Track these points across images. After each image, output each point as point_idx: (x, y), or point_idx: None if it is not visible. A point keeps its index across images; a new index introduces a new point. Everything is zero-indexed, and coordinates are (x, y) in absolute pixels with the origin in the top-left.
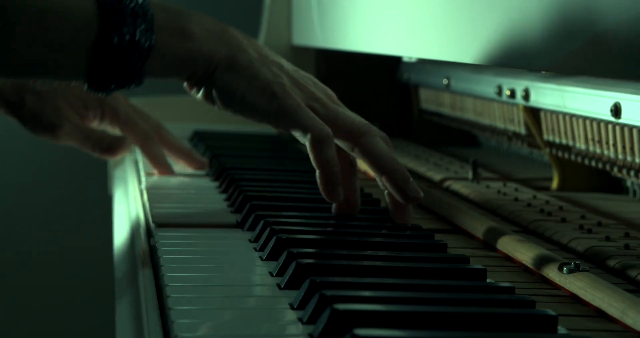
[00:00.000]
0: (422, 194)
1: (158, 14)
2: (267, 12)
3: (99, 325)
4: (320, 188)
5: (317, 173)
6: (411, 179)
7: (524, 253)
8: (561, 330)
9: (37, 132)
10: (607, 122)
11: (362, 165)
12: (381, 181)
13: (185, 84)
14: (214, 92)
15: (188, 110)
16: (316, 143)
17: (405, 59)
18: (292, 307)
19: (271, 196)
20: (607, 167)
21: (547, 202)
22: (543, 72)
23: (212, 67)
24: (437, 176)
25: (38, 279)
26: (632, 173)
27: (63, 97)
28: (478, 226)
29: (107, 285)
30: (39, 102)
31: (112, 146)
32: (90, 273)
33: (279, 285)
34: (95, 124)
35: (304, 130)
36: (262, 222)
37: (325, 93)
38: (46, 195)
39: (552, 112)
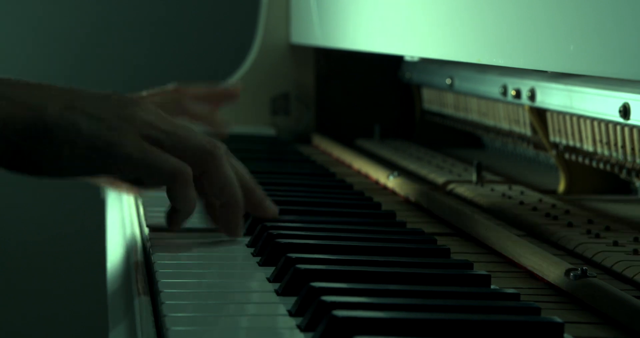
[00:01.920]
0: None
1: None
2: (265, 10)
3: (92, 329)
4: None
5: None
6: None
7: (530, 258)
8: (567, 337)
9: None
10: (615, 124)
11: (363, 167)
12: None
13: None
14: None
15: None
16: (174, 182)
17: (407, 58)
18: (290, 314)
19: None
20: (616, 169)
21: (553, 206)
22: (549, 71)
23: (12, 137)
24: (440, 179)
25: (28, 283)
26: None
27: None
28: (482, 230)
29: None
30: None
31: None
32: (83, 279)
33: (276, 291)
34: None
35: (160, 175)
36: (259, 226)
37: (155, 114)
38: (36, 200)
39: (559, 113)
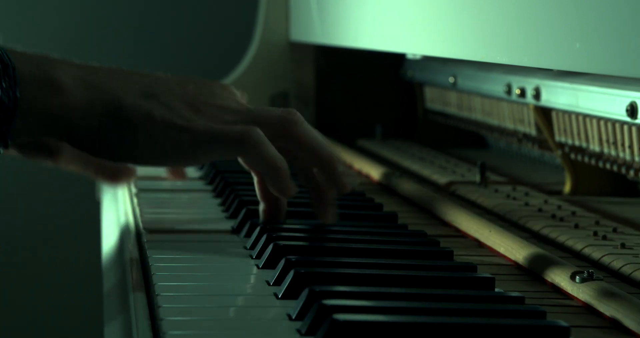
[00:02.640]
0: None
1: (21, 66)
2: (264, 6)
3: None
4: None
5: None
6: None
7: (535, 261)
8: None
9: (36, 159)
10: (622, 123)
11: (364, 167)
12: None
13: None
14: (111, 148)
15: None
16: (244, 147)
17: (410, 56)
18: (290, 318)
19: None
20: (623, 170)
21: (559, 207)
22: (555, 70)
23: (94, 122)
24: (442, 180)
25: (23, 282)
26: None
27: None
28: (486, 232)
29: (95, 295)
30: None
31: (116, 173)
32: (78, 281)
33: (276, 295)
34: None
35: (226, 144)
36: (258, 228)
37: (232, 100)
38: (32, 200)
39: (565, 112)
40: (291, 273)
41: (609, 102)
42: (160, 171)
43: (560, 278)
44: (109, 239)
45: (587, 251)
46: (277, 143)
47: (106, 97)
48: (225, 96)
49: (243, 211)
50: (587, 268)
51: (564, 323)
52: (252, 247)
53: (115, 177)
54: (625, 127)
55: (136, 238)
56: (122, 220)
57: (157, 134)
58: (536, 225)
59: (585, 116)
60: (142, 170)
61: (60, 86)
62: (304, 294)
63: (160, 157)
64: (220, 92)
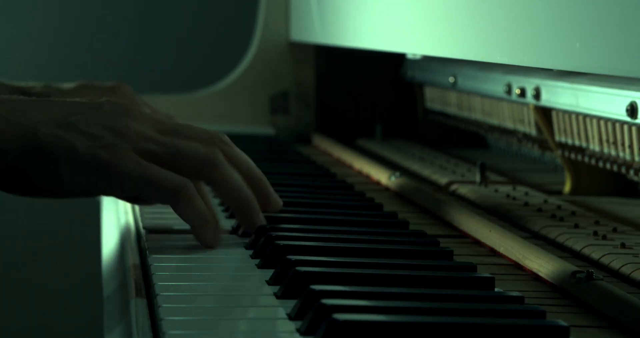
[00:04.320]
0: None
1: None
2: (264, 6)
3: (87, 332)
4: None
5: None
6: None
7: (535, 260)
8: None
9: None
10: (622, 123)
11: (364, 167)
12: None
13: None
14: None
15: (184, 110)
16: (177, 199)
17: (410, 56)
18: (289, 317)
19: None
20: (623, 170)
21: (559, 207)
22: (555, 69)
23: (10, 158)
24: (442, 180)
25: (23, 284)
26: None
27: None
28: (486, 232)
29: (95, 295)
30: None
31: None
32: (78, 281)
33: (276, 294)
34: None
35: (160, 193)
36: (258, 228)
37: (150, 121)
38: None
39: (565, 112)
40: (290, 273)
41: (609, 102)
42: None
43: (560, 278)
44: (108, 239)
45: (586, 251)
46: (196, 180)
47: (21, 130)
48: (145, 119)
49: None
50: (587, 268)
51: (563, 323)
52: (252, 247)
53: None
54: (625, 127)
55: (136, 239)
56: (122, 220)
57: (81, 168)
58: (536, 225)
59: (585, 116)
60: None
61: None
62: (303, 294)
63: (86, 191)
64: (139, 115)
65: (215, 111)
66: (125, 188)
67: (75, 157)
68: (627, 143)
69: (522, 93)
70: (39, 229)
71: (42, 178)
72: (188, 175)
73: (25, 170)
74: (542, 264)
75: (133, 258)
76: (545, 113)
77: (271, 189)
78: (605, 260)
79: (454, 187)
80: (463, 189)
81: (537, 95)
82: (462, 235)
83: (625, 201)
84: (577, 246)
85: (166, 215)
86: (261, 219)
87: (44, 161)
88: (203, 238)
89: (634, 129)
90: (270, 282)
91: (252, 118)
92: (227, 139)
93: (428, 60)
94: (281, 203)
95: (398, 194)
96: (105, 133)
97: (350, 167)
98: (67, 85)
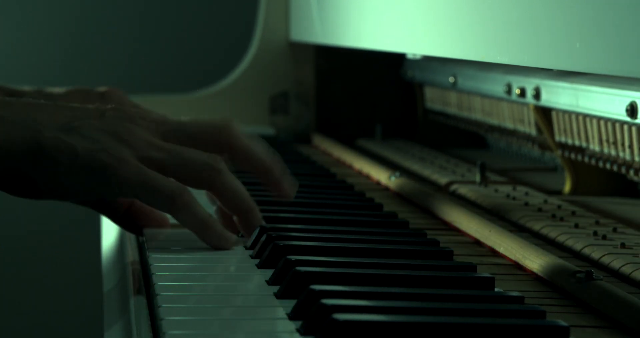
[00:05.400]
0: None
1: None
2: (264, 6)
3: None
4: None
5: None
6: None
7: (535, 260)
8: None
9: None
10: (622, 123)
11: (364, 167)
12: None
13: None
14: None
15: (182, 110)
16: (176, 206)
17: (409, 56)
18: (289, 317)
19: (268, 201)
20: (623, 170)
21: (559, 207)
22: (555, 69)
23: (12, 160)
24: (442, 180)
25: (23, 284)
26: None
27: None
28: (486, 232)
29: (95, 295)
30: None
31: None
32: (78, 281)
33: (275, 294)
34: None
35: (158, 199)
36: (258, 228)
37: (154, 128)
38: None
39: (565, 112)
40: (290, 273)
41: (609, 102)
42: None
43: (560, 278)
44: (108, 239)
45: (587, 251)
46: (199, 188)
47: (25, 132)
48: (149, 126)
49: None
50: (587, 268)
51: (563, 323)
52: (252, 247)
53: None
54: (625, 127)
55: (136, 238)
56: None
57: (81, 170)
58: (536, 225)
59: (585, 116)
60: None
61: None
62: (303, 294)
63: (86, 194)
64: (143, 122)
65: (215, 111)
66: (124, 192)
67: (76, 160)
68: (627, 143)
69: (522, 93)
70: (39, 228)
71: (44, 180)
72: (191, 183)
73: (28, 172)
74: (542, 264)
75: (133, 256)
76: (545, 113)
77: (284, 177)
78: (605, 260)
79: (454, 187)
80: (463, 189)
81: (537, 95)
82: (462, 235)
83: (625, 201)
84: (577, 246)
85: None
86: (261, 223)
87: (46, 163)
88: (210, 242)
89: (634, 129)
90: (270, 282)
91: (252, 118)
92: (233, 126)
93: (428, 60)
94: (294, 190)
95: (398, 194)
96: (107, 137)
97: (350, 167)
98: (58, 89)
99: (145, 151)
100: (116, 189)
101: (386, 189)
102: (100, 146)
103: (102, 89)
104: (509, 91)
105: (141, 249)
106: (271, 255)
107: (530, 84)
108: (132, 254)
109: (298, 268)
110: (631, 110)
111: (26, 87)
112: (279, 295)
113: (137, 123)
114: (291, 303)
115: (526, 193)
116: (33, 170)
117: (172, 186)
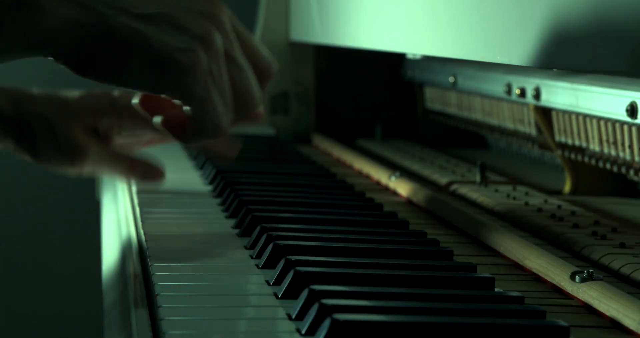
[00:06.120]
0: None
1: None
2: (264, 6)
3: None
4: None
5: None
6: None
7: (534, 260)
8: None
9: (57, 164)
10: (622, 123)
11: (364, 167)
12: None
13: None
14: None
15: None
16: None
17: (410, 56)
18: (290, 317)
19: (268, 201)
20: (623, 170)
21: (559, 207)
22: (555, 70)
23: (81, 42)
24: (443, 180)
25: (23, 284)
26: None
27: (71, 112)
28: (486, 232)
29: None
30: (50, 130)
31: (148, 173)
32: (78, 281)
33: (276, 294)
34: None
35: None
36: (258, 228)
37: (234, 36)
38: (32, 200)
39: (565, 112)
40: (291, 273)
41: (609, 102)
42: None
43: (560, 278)
44: (109, 239)
45: (586, 251)
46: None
47: (92, 16)
48: (231, 31)
49: (243, 210)
50: (587, 268)
51: (563, 323)
52: (252, 247)
53: (148, 176)
54: (625, 127)
55: (136, 237)
56: (122, 219)
57: (149, 61)
58: (536, 225)
59: (585, 116)
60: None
61: (38, 3)
62: (304, 294)
63: (150, 88)
64: (224, 24)
65: None
66: (186, 95)
67: (148, 52)
68: (627, 143)
69: (522, 93)
70: (39, 229)
71: (111, 65)
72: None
73: (95, 56)
74: (542, 264)
75: (133, 258)
76: (545, 113)
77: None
78: (605, 260)
79: (454, 187)
80: (463, 189)
81: (537, 95)
82: (462, 235)
83: (625, 201)
84: (577, 246)
85: (166, 215)
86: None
87: (117, 50)
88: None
89: (634, 129)
90: (270, 282)
91: None
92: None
93: (428, 60)
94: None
95: (398, 195)
96: (187, 35)
97: (350, 167)
98: (73, 93)
99: (217, 61)
100: (178, 91)
101: (386, 189)
102: (176, 44)
103: (115, 93)
104: (509, 91)
105: (141, 249)
106: (271, 255)
107: (530, 84)
108: (132, 254)
109: (298, 268)
110: (631, 110)
111: (35, 90)
112: (279, 295)
113: (220, 29)
114: (291, 303)
115: (526, 193)
116: (101, 54)
117: (223, 121)
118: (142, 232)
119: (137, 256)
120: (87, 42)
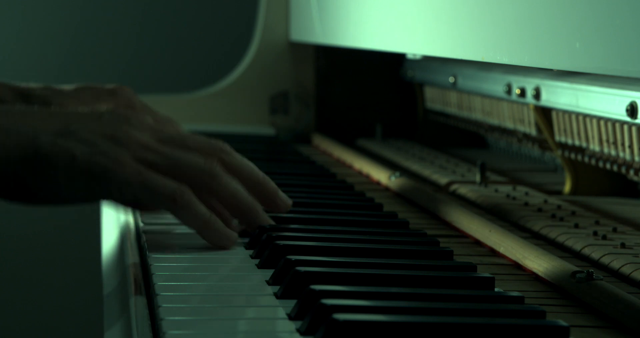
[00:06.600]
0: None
1: None
2: (264, 6)
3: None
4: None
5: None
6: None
7: (534, 260)
8: None
9: None
10: (622, 123)
11: (364, 167)
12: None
13: None
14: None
15: (182, 110)
16: (176, 205)
17: (410, 56)
18: (289, 317)
19: None
20: (623, 170)
21: (559, 207)
22: (555, 70)
23: (10, 168)
24: (442, 180)
25: (23, 284)
26: None
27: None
28: (486, 232)
29: (95, 295)
30: None
31: None
32: (78, 281)
33: (276, 294)
34: None
35: (159, 199)
36: (258, 228)
37: (150, 130)
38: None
39: (565, 112)
40: (290, 273)
41: (609, 102)
42: None
43: (560, 278)
44: (108, 239)
45: (586, 251)
46: (196, 191)
47: (20, 139)
48: (145, 127)
49: None
50: (587, 268)
51: (563, 323)
52: (252, 247)
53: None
54: (625, 127)
55: (136, 238)
56: (122, 219)
57: (79, 175)
58: (536, 225)
59: (585, 116)
60: None
61: None
62: (303, 294)
63: (85, 198)
64: (139, 124)
65: (215, 111)
66: (124, 194)
67: (74, 164)
68: (627, 143)
69: (522, 93)
70: (38, 228)
71: (41, 186)
72: (188, 185)
73: (25, 178)
74: (542, 264)
75: (133, 257)
76: (545, 113)
77: (278, 191)
78: (605, 260)
79: (454, 187)
80: (463, 189)
81: (537, 95)
82: (462, 235)
83: (625, 201)
84: (577, 246)
85: (166, 215)
86: (267, 221)
87: (44, 169)
88: (211, 241)
89: (634, 129)
90: (270, 282)
91: (252, 118)
92: (227, 147)
93: (428, 60)
94: (290, 202)
95: (398, 194)
96: (104, 141)
97: (350, 167)
98: (67, 87)
99: (141, 153)
100: (116, 191)
101: (386, 189)
102: (97, 149)
103: (111, 86)
104: (509, 91)
105: (141, 250)
106: (271, 255)
107: (530, 84)
108: (132, 254)
109: (298, 268)
110: (631, 110)
111: (33, 85)
112: (279, 295)
113: (133, 125)
114: (291, 303)
115: (526, 193)
116: (31, 177)
117: (172, 186)
118: (141, 229)
119: (137, 254)
120: (13, 167)
